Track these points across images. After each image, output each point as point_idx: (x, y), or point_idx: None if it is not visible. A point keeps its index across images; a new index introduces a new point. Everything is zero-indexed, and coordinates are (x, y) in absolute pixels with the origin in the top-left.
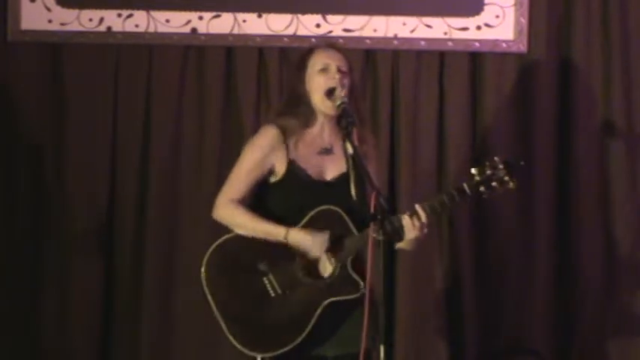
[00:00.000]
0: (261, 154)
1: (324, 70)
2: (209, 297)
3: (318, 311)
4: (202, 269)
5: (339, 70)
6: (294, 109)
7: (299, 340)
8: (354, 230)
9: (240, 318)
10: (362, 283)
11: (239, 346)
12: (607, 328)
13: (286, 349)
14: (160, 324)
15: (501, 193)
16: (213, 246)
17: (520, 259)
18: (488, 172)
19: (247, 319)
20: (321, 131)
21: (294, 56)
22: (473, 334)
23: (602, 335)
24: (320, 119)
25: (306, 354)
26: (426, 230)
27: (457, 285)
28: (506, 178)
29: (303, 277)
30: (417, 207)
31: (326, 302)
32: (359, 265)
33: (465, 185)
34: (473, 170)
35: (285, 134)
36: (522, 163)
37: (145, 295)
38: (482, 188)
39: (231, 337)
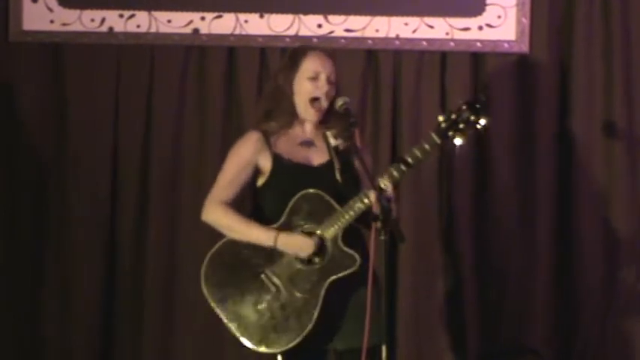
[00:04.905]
0: (245, 154)
1: (314, 78)
2: (216, 308)
3: (322, 293)
4: (202, 284)
5: (328, 81)
6: (277, 108)
7: (310, 326)
8: (339, 209)
9: (250, 320)
10: (357, 255)
11: (256, 349)
12: (608, 328)
13: (301, 337)
14: (161, 324)
15: (474, 134)
16: (206, 261)
17: (521, 260)
18: (454, 116)
19: (257, 319)
20: (302, 127)
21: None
22: (474, 333)
23: (602, 335)
24: (301, 119)
25: (317, 346)
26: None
27: (458, 285)
28: (473, 117)
29: (299, 265)
30: (390, 170)
31: (328, 282)
32: (350, 238)
33: (433, 134)
34: (439, 118)
35: (267, 136)
36: (483, 97)
37: (146, 294)
38: (450, 133)
39: (246, 342)
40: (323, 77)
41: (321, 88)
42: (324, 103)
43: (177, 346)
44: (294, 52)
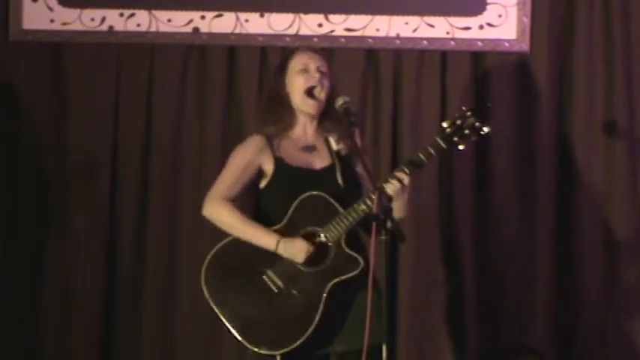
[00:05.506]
0: (248, 154)
1: (304, 70)
2: (216, 309)
3: (324, 296)
4: (203, 285)
5: (318, 70)
6: (275, 112)
7: (312, 328)
8: (342, 211)
9: (251, 321)
10: (360, 258)
11: (257, 350)
12: (608, 328)
13: (303, 338)
14: (161, 324)
15: (477, 140)
16: (206, 261)
17: (521, 259)
18: (459, 122)
19: (259, 320)
20: (304, 131)
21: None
22: (474, 333)
23: (603, 335)
24: (301, 120)
25: (318, 349)
26: (407, 191)
27: (458, 285)
28: (477, 123)
29: (302, 267)
30: (396, 173)
31: (330, 284)
32: (353, 241)
33: (439, 139)
34: (444, 124)
35: (269, 139)
36: (489, 104)
37: (146, 295)
38: (455, 138)
39: (246, 343)
40: (313, 68)
41: (313, 77)
42: (321, 94)
43: (177, 346)
44: (282, 57)
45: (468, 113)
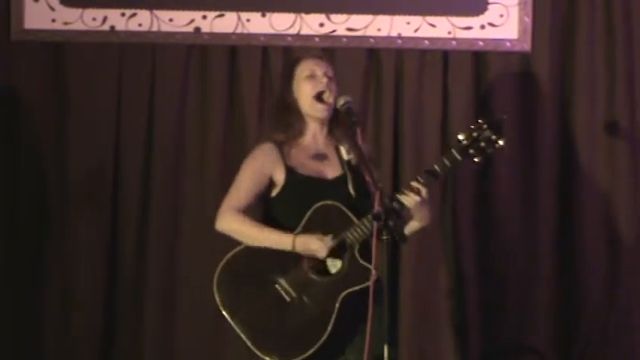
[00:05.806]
0: (259, 164)
1: (311, 76)
2: (228, 317)
3: (337, 305)
4: (215, 292)
5: (325, 76)
6: (284, 120)
7: (324, 338)
8: (356, 221)
9: (264, 330)
10: (374, 270)
11: (268, 359)
12: (610, 327)
13: (314, 348)
14: (162, 324)
15: (493, 154)
16: (219, 269)
17: (523, 259)
18: (475, 134)
19: (270, 329)
20: (314, 138)
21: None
22: (476, 334)
23: (604, 334)
24: (311, 127)
25: (329, 358)
26: (427, 202)
27: (460, 285)
28: (494, 136)
29: (315, 276)
30: (412, 183)
31: (344, 294)
32: (367, 252)
33: (454, 151)
34: (460, 136)
35: (280, 147)
36: (505, 117)
37: (147, 295)
38: (471, 151)
39: (258, 351)
40: (319, 73)
41: (321, 82)
42: (330, 99)
43: (178, 346)
44: (288, 64)
45: (485, 126)
